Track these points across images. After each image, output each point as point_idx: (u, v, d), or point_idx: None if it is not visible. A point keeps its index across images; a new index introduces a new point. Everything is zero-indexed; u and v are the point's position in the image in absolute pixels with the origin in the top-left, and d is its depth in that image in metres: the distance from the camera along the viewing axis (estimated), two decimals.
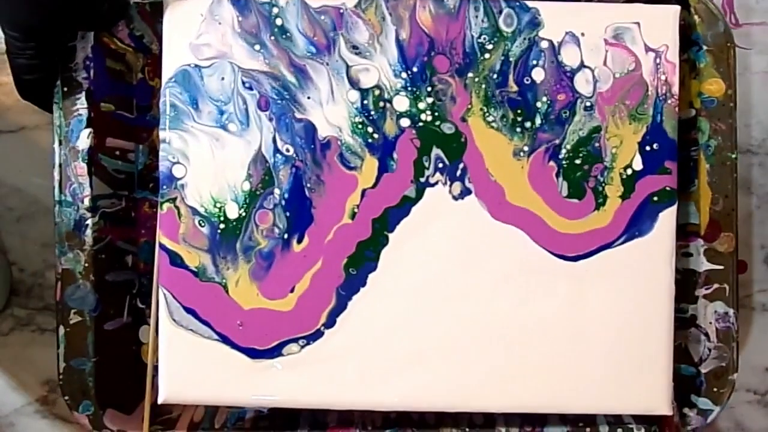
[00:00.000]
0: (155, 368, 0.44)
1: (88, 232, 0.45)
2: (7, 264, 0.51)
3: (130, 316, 0.48)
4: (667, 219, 0.43)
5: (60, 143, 0.45)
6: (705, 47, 0.44)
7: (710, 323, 0.44)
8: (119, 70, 0.48)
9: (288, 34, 0.43)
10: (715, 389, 0.44)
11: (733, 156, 0.44)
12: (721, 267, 0.44)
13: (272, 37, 0.43)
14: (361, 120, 0.43)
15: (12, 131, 0.52)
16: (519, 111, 0.43)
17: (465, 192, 0.43)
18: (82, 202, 0.45)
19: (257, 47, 0.43)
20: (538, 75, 0.43)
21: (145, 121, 0.49)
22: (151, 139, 0.49)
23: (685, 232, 0.45)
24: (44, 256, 0.52)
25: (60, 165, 0.45)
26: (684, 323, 0.45)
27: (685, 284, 0.45)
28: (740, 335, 0.44)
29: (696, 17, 0.44)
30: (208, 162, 0.43)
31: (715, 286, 0.44)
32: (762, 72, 0.51)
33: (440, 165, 0.43)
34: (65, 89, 0.45)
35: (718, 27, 0.44)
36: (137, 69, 0.49)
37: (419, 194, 0.43)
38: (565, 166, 0.43)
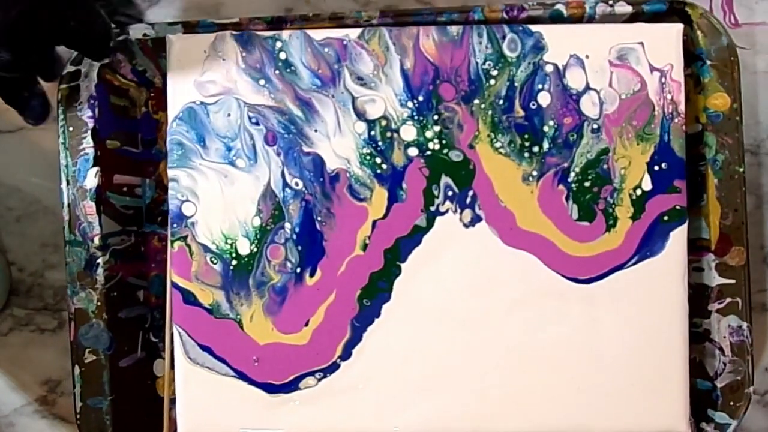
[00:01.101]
0: (172, 402, 0.45)
1: (100, 270, 0.45)
2: (7, 264, 0.51)
3: (143, 351, 0.48)
4: (678, 238, 0.43)
5: (68, 183, 0.45)
6: (709, 62, 0.44)
7: (724, 337, 0.44)
8: (123, 106, 0.48)
9: (292, 67, 0.43)
10: (731, 403, 0.44)
11: (741, 170, 0.44)
12: (733, 281, 0.44)
13: (277, 72, 0.43)
14: (368, 151, 0.43)
15: (11, 131, 0.52)
16: (526, 136, 0.43)
17: (476, 219, 0.43)
18: (92, 241, 0.45)
19: (262, 82, 0.43)
20: (544, 99, 0.43)
21: (150, 155, 0.49)
22: (158, 172, 0.49)
23: (695, 247, 0.45)
24: (43, 256, 0.52)
25: (69, 205, 0.45)
26: (698, 338, 0.45)
27: (698, 299, 0.45)
28: None
29: (699, 32, 0.44)
30: (217, 199, 0.43)
31: (728, 300, 0.44)
32: (762, 72, 0.51)
33: (450, 193, 0.43)
34: (71, 129, 0.45)
35: (721, 41, 0.44)
36: (141, 103, 0.49)
37: (430, 223, 0.43)
38: (574, 189, 0.43)
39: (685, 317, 0.43)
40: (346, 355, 0.43)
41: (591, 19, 0.44)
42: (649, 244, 0.43)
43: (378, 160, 0.43)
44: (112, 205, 0.46)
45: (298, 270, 0.43)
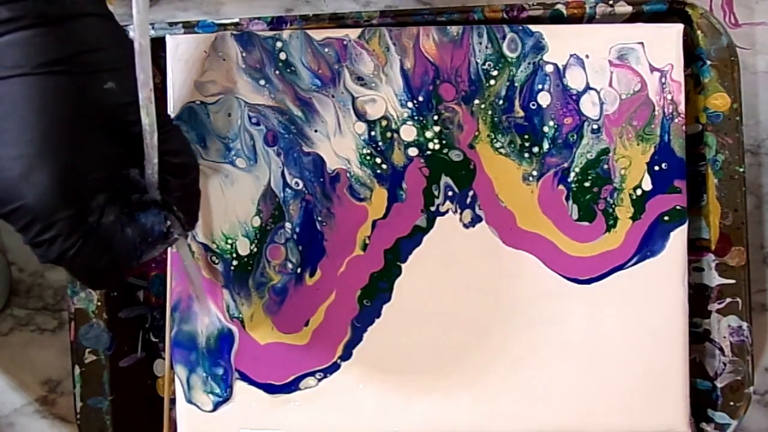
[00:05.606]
0: (172, 402, 0.45)
1: None
2: (7, 264, 0.51)
3: (143, 351, 0.48)
4: (678, 238, 0.43)
5: None
6: (709, 62, 0.44)
7: (724, 337, 0.44)
8: None
9: (292, 67, 0.43)
10: (731, 403, 0.44)
11: (741, 170, 0.44)
12: (733, 281, 0.44)
13: (277, 72, 0.43)
14: (368, 151, 0.43)
15: None
16: (526, 136, 0.43)
17: (476, 219, 0.43)
18: None
19: (262, 82, 0.43)
20: (544, 99, 0.43)
21: None
22: None
23: (695, 247, 0.45)
24: None
25: None
26: (698, 338, 0.45)
27: (698, 299, 0.45)
28: None
29: (699, 32, 0.44)
30: (217, 199, 0.43)
31: (728, 300, 0.44)
32: (762, 72, 0.51)
33: (450, 193, 0.43)
34: None
35: (721, 41, 0.44)
36: None
37: (430, 223, 0.43)
38: (574, 189, 0.43)
39: (685, 317, 0.43)
40: (346, 355, 0.43)
41: (591, 19, 0.44)
42: (649, 244, 0.43)
43: (378, 160, 0.43)
44: None
45: (299, 270, 0.43)
